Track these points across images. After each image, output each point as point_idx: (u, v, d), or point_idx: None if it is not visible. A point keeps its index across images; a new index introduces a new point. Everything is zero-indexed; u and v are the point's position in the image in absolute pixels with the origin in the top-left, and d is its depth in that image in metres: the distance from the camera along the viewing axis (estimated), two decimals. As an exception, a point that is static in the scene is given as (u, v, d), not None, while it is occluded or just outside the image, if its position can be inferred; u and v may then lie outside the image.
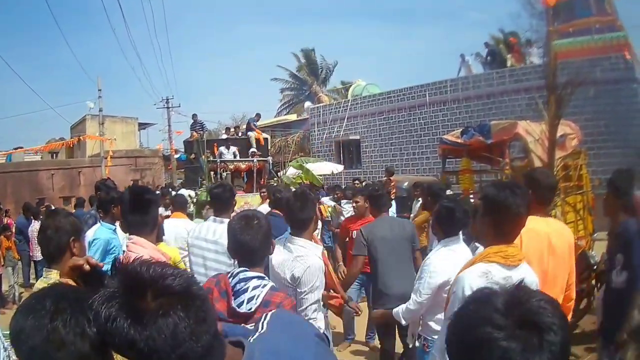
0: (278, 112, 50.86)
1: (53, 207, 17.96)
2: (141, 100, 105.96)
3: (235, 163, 24.73)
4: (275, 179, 22.89)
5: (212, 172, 22.09)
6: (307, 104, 36.84)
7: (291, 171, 20.68)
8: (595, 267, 7.31)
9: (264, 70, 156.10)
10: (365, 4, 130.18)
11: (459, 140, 11.23)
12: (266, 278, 3.39)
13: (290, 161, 23.38)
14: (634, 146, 16.36)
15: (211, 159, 23.56)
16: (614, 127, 16.81)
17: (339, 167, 24.90)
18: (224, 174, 23.51)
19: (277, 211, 6.91)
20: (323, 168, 22.37)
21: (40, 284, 3.46)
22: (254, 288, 3.22)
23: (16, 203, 21.89)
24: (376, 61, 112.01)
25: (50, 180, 30.60)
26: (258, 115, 28.24)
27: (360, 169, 27.84)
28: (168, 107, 37.68)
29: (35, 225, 13.65)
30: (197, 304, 1.44)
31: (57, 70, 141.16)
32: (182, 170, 31.34)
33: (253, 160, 24.75)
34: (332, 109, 30.25)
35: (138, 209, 4.14)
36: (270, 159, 26.17)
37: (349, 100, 29.49)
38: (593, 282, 7.42)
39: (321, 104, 32.49)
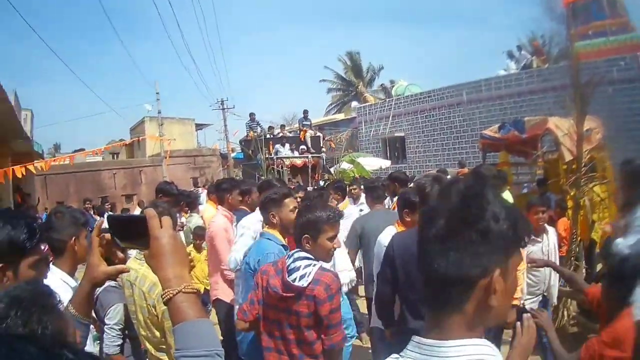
0: (327, 111, 50.47)
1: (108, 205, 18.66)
2: (197, 102, 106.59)
3: (291, 159, 24.63)
4: (327, 175, 22.99)
5: (269, 169, 22.36)
6: (354, 103, 36.54)
7: (344, 165, 20.81)
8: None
9: (312, 71, 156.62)
10: (402, 10, 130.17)
11: (497, 135, 11.45)
12: (315, 259, 3.53)
13: (342, 157, 23.26)
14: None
15: (267, 156, 23.70)
16: (631, 122, 16.72)
17: (387, 163, 24.62)
18: (281, 170, 23.40)
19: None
20: (372, 163, 22.45)
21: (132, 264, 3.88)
22: (305, 267, 3.43)
23: (79, 202, 21.69)
24: (416, 61, 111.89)
25: (112, 180, 30.75)
26: (305, 112, 28.08)
27: (405, 163, 27.69)
28: (223, 109, 37.13)
29: (99, 222, 13.62)
30: None
31: (116, 75, 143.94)
32: (239, 168, 31.22)
33: (308, 157, 24.73)
34: (377, 108, 30.10)
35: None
36: (323, 155, 26.04)
37: (392, 100, 29.29)
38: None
39: (367, 104, 32.27)
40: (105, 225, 1.80)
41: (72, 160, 23.86)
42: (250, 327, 3.85)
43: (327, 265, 5.35)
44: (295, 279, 3.40)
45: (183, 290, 1.52)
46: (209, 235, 6.47)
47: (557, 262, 6.10)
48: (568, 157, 8.53)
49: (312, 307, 3.38)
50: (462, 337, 1.30)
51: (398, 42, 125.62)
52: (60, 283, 2.99)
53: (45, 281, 2.55)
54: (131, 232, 1.67)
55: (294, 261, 3.51)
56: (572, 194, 8.00)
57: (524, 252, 5.99)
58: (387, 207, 7.79)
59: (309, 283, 3.37)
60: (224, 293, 6.02)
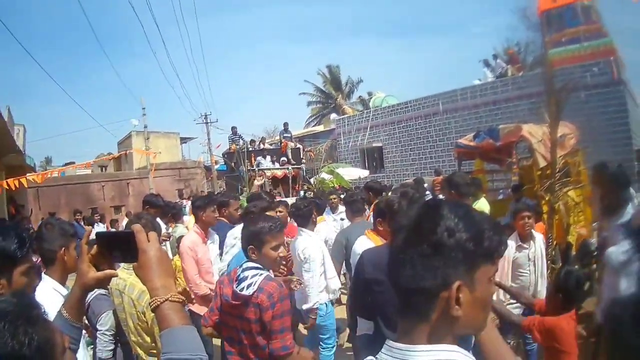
0: (307, 123, 51.04)
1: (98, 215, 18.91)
2: (182, 117, 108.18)
3: (272, 170, 25.08)
4: (306, 185, 23.32)
5: (251, 180, 22.53)
6: (333, 115, 36.97)
7: (324, 176, 21.02)
8: (595, 253, 7.25)
9: (292, 85, 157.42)
10: (379, 23, 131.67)
11: (472, 144, 11.38)
12: (264, 269, 3.69)
13: (321, 168, 23.56)
14: (623, 143, 16.50)
15: (249, 168, 24.13)
16: (605, 126, 16.84)
17: (365, 172, 24.98)
18: (263, 180, 23.56)
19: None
20: (351, 173, 22.65)
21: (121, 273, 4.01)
22: (252, 276, 3.59)
23: (70, 213, 22.03)
24: (393, 73, 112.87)
25: (101, 192, 31.12)
26: (285, 124, 28.65)
27: (383, 173, 27.95)
28: (207, 123, 37.27)
29: (88, 231, 13.76)
30: None
31: (104, 92, 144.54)
32: (222, 179, 31.68)
33: (288, 168, 25.16)
34: (355, 120, 30.36)
35: None
36: (303, 166, 26.48)
37: (370, 111, 29.57)
38: (594, 266, 7.34)
39: (346, 115, 32.63)
40: (94, 236, 1.89)
41: (59, 173, 24.29)
42: (213, 332, 4.05)
43: (321, 271, 6.07)
44: (242, 288, 3.56)
45: (169, 299, 1.62)
46: (179, 252, 6.62)
47: (545, 268, 6.23)
48: (542, 163, 8.53)
49: (258, 313, 3.52)
50: (429, 343, 1.34)
51: (377, 55, 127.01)
52: (52, 291, 3.09)
53: (38, 289, 2.68)
54: (120, 247, 1.76)
55: (242, 271, 3.68)
56: (547, 198, 7.99)
57: (509, 259, 6.04)
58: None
59: (254, 292, 3.52)
60: (197, 307, 6.09)
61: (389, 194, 8.16)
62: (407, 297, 1.39)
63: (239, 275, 3.67)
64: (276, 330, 3.53)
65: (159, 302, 1.61)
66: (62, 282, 3.26)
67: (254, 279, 3.56)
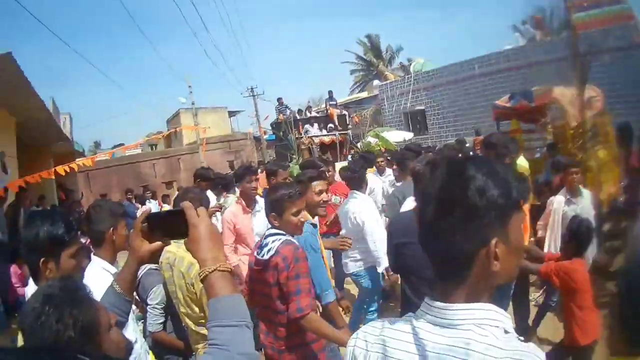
0: (351, 90, 50.37)
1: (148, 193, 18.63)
2: (228, 92, 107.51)
3: (320, 137, 24.91)
4: (355, 150, 22.80)
5: (300, 147, 22.57)
6: (376, 82, 36.02)
7: (370, 140, 20.81)
8: (623, 210, 7.38)
9: (334, 55, 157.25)
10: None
11: (508, 105, 11.79)
12: (284, 234, 3.68)
13: (367, 133, 23.16)
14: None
15: (297, 136, 24.00)
16: (628, 89, 16.71)
17: (409, 135, 24.65)
18: (312, 147, 23.74)
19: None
20: (396, 136, 22.41)
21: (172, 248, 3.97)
22: (272, 242, 3.62)
23: (121, 193, 22.37)
24: (430, 41, 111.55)
25: (152, 169, 31.38)
26: (330, 92, 28.49)
27: (427, 135, 27.69)
28: (253, 95, 38.20)
29: (141, 210, 13.17)
30: None
31: (150, 74, 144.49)
32: (272, 149, 31.57)
33: (335, 134, 24.90)
34: (397, 85, 29.98)
35: None
36: (350, 132, 26.18)
37: (411, 76, 29.10)
38: (624, 224, 7.23)
39: (388, 81, 32.06)
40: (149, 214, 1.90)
41: (110, 155, 24.94)
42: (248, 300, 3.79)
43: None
44: (263, 254, 3.62)
45: (218, 268, 1.61)
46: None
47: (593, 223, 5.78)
48: (574, 122, 8.67)
49: (275, 276, 3.54)
50: (467, 302, 1.33)
51: (414, 25, 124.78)
52: (101, 271, 3.08)
53: (87, 269, 2.86)
54: (171, 225, 1.78)
55: (265, 237, 3.75)
56: (579, 157, 7.97)
57: (559, 212, 6.23)
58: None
59: (271, 255, 3.55)
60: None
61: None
62: (444, 264, 1.38)
63: (262, 242, 3.75)
64: (291, 292, 3.48)
65: (207, 272, 1.61)
66: (112, 262, 3.26)
67: (273, 244, 3.59)
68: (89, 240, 3.43)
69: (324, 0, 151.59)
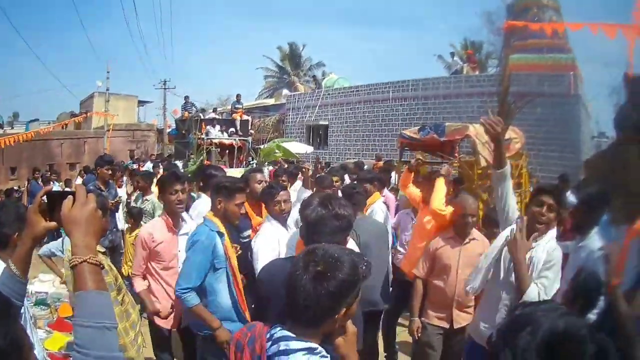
0: (259, 95, 50.79)
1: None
2: (143, 80, 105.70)
3: (219, 139, 25.15)
4: (253, 156, 23.20)
5: (200, 148, 22.22)
6: (285, 91, 37.19)
7: (269, 145, 20.81)
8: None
9: (251, 60, 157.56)
10: (348, 12, 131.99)
11: (416, 136, 11.15)
12: (319, 350, 1.90)
13: (267, 141, 23.41)
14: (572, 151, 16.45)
15: (199, 136, 24.13)
16: (554, 133, 16.88)
17: (309, 148, 24.95)
18: (211, 149, 23.24)
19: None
20: (296, 148, 22.37)
21: None
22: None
23: (29, 168, 22.52)
24: (350, 59, 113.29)
25: (59, 149, 31.18)
26: (238, 96, 28.73)
27: (327, 150, 28.11)
28: (165, 88, 38.84)
29: (46, 188, 13.82)
30: None
31: (70, 51, 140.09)
32: (173, 143, 31.60)
33: (235, 139, 25.29)
34: (306, 97, 30.28)
35: None
36: (250, 138, 26.46)
37: (322, 90, 29.51)
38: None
39: (297, 92, 32.71)
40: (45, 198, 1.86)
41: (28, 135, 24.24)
42: None
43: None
44: None
45: (88, 260, 1.60)
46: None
47: None
48: (484, 163, 8.50)
49: None
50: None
51: (341, 41, 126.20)
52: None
53: None
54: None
55: (278, 353, 1.92)
56: (484, 198, 7.93)
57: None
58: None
59: None
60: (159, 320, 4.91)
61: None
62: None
63: (270, 355, 1.95)
64: None
65: (77, 262, 1.59)
66: None
67: None
68: None
69: (249, 4, 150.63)
